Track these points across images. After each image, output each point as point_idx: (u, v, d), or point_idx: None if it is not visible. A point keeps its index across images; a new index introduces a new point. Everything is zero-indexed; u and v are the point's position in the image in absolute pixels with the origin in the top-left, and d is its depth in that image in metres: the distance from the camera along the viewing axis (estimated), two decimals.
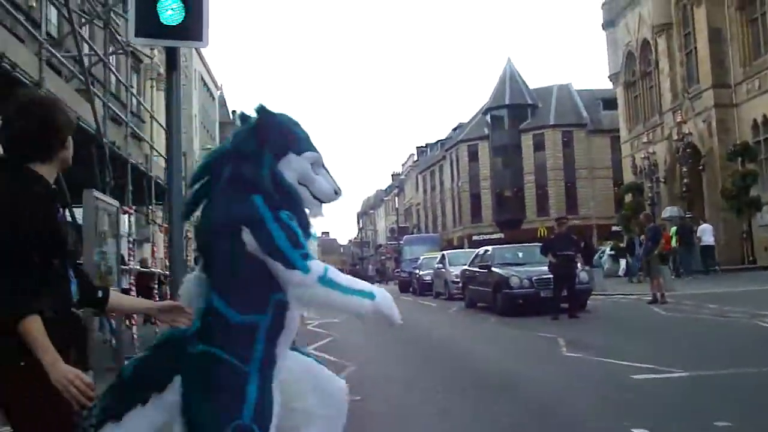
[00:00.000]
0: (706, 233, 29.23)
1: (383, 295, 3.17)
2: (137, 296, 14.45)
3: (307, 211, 3.32)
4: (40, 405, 2.57)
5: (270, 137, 3.26)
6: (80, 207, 10.23)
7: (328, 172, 3.43)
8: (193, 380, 3.04)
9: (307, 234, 3.21)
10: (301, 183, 3.28)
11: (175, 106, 6.77)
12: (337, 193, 3.41)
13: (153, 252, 16.80)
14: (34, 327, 2.49)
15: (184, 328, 3.21)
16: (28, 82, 7.91)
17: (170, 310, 3.25)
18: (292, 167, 3.26)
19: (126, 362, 3.43)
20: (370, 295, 3.10)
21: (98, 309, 2.90)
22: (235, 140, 3.37)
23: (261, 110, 3.32)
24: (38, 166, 2.78)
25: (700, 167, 36.38)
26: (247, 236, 3.04)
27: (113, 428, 3.05)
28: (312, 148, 3.36)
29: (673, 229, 28.91)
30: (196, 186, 3.40)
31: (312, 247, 3.22)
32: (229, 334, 3.04)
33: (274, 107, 3.40)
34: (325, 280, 3.03)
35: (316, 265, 3.05)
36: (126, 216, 12.93)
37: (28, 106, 2.85)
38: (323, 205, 3.43)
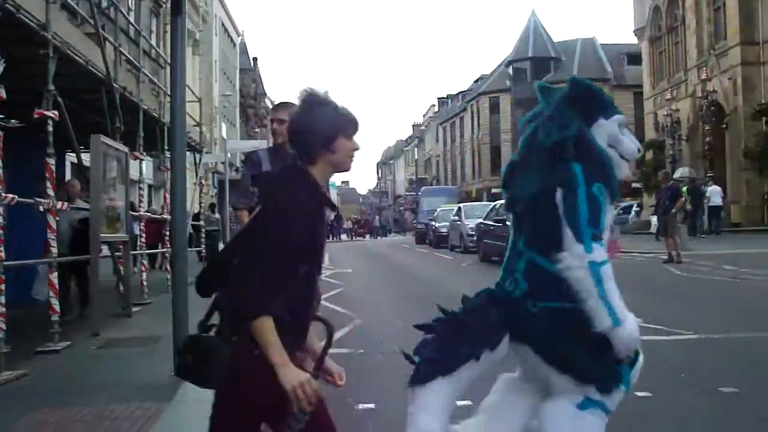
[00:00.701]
0: (714, 194, 30.12)
1: (630, 331, 3.18)
2: (148, 242, 14.59)
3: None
4: (259, 396, 2.57)
5: (583, 106, 3.44)
6: (88, 152, 10.15)
7: (629, 130, 3.58)
8: (551, 335, 3.27)
9: (614, 196, 3.36)
10: (610, 145, 3.45)
11: (180, 52, 6.65)
12: (639, 150, 3.58)
13: (165, 199, 16.81)
14: (265, 327, 2.50)
15: (494, 289, 3.47)
16: (33, 25, 7.76)
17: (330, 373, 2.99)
18: (603, 131, 3.43)
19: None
20: (616, 321, 3.13)
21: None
22: (549, 111, 3.52)
23: (573, 81, 3.52)
24: (310, 168, 2.74)
25: (724, 126, 35.68)
26: (558, 197, 3.24)
27: (445, 383, 3.29)
28: (618, 111, 3.53)
29: (684, 189, 28.81)
30: (519, 154, 3.62)
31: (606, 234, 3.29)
32: (559, 286, 3.21)
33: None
34: (593, 269, 3.12)
35: (598, 251, 3.15)
36: (138, 162, 12.84)
37: (299, 106, 2.81)
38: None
